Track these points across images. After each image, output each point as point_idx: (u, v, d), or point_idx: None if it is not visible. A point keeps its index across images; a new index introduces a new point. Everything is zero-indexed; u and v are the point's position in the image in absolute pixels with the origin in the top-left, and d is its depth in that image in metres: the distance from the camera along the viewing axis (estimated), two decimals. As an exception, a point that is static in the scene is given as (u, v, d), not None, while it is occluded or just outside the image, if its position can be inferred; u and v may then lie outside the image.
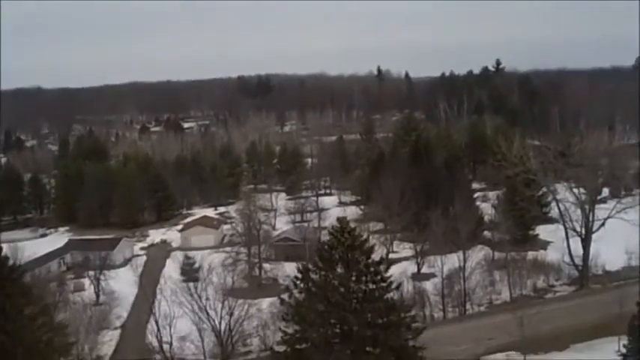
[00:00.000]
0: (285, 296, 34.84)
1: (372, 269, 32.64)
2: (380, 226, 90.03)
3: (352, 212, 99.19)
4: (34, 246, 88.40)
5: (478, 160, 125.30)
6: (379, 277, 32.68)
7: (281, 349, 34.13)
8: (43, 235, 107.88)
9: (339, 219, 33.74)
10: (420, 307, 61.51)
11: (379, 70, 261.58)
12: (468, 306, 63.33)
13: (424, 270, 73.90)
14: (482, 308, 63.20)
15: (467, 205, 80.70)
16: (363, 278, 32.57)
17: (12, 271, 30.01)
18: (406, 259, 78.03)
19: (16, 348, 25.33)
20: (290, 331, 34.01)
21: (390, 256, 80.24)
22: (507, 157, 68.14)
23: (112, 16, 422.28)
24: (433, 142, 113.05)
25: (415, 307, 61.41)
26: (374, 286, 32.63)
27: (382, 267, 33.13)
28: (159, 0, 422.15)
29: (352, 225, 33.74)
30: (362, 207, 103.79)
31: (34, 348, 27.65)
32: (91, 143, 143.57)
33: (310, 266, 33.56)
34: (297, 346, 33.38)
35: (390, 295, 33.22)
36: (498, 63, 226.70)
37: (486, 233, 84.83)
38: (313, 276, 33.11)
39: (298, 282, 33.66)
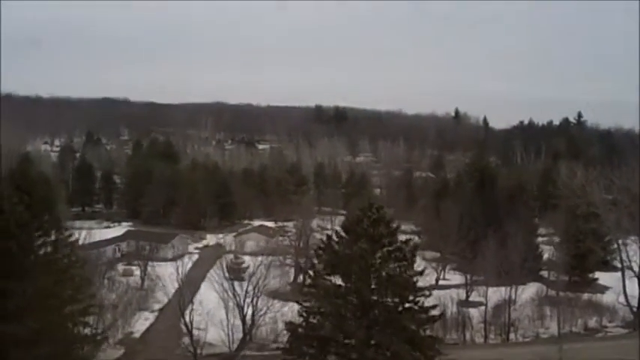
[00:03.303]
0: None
1: (395, 246, 31.75)
2: (436, 255, 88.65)
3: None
4: (95, 234, 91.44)
5: (548, 205, 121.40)
6: (402, 255, 31.71)
7: (297, 320, 33.50)
8: (107, 227, 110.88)
9: (368, 198, 33.15)
10: (461, 330, 60.51)
11: (457, 113, 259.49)
12: (512, 336, 61.31)
13: (473, 299, 72.14)
14: (526, 340, 60.91)
15: (527, 241, 78.50)
16: (385, 253, 31.64)
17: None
18: (457, 287, 76.16)
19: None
20: (307, 304, 33.48)
21: (441, 282, 79.10)
22: (569, 185, 65.52)
23: (202, 38, 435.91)
24: (501, 177, 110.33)
25: (457, 329, 60.94)
26: (395, 264, 31.67)
27: (408, 249, 32.16)
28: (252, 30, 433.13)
29: (380, 204, 33.21)
30: (421, 236, 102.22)
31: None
32: (164, 147, 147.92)
33: (334, 237, 33.02)
34: (312, 319, 32.73)
35: (412, 278, 32.07)
36: (580, 115, 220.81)
37: (544, 273, 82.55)
38: (336, 247, 32.53)
39: (320, 252, 33.17)
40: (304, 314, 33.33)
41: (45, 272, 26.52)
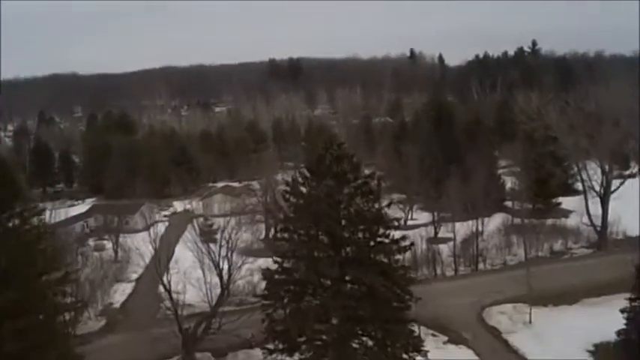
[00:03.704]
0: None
1: (360, 181, 32.37)
2: (402, 197, 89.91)
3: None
4: (61, 213, 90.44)
5: (507, 135, 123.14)
6: (368, 189, 32.35)
7: (272, 267, 34.11)
8: (71, 206, 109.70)
9: (329, 134, 33.63)
10: (432, 266, 62.32)
11: (412, 53, 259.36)
12: (481, 265, 63.35)
13: (442, 235, 73.83)
14: (495, 268, 62.88)
15: (488, 173, 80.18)
16: (352, 189, 32.26)
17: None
18: (425, 225, 77.80)
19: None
20: (280, 249, 34.13)
21: (409, 223, 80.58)
22: (525, 112, 66.66)
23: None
24: (458, 114, 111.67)
25: (428, 266, 62.68)
26: (363, 199, 32.31)
27: (373, 182, 32.85)
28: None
29: (341, 140, 33.69)
30: (384, 179, 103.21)
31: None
32: (119, 118, 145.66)
33: (299, 179, 33.44)
34: (286, 264, 33.39)
35: (380, 211, 32.77)
36: (534, 44, 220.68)
37: (508, 203, 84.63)
38: (302, 189, 33.01)
39: (287, 195, 33.61)
40: (278, 260, 33.91)
41: (16, 244, 26.52)
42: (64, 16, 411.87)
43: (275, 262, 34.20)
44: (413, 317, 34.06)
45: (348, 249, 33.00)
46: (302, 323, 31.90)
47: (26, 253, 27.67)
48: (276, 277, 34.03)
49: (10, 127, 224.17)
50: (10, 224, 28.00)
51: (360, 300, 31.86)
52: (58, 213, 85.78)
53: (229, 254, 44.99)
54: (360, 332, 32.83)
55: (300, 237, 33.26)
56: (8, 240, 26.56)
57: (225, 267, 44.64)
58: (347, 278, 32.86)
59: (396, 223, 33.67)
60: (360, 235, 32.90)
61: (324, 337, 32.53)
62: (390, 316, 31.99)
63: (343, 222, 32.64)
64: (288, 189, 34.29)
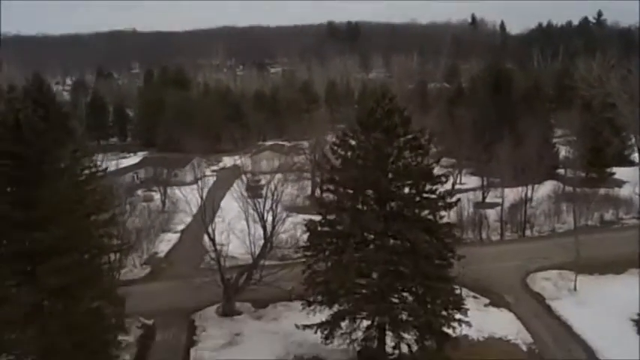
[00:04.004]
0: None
1: (410, 136, 31.82)
2: (452, 161, 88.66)
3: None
4: (112, 165, 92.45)
5: (565, 103, 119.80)
6: (418, 144, 31.79)
7: (316, 219, 34.01)
8: (123, 158, 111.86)
9: (381, 88, 33.09)
10: (478, 230, 61.50)
11: (473, 19, 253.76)
12: (528, 232, 62.16)
13: (490, 200, 72.58)
14: (542, 234, 61.64)
15: (542, 140, 78.23)
16: (401, 143, 31.73)
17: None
18: (473, 189, 76.73)
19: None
20: (326, 200, 33.99)
21: (457, 187, 79.42)
22: (585, 79, 64.32)
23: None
24: (516, 80, 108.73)
25: (474, 229, 61.86)
26: (412, 154, 31.81)
27: (423, 138, 32.24)
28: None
29: (393, 93, 33.12)
30: (435, 144, 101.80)
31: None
32: (175, 75, 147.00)
33: (348, 132, 33.10)
34: (330, 216, 33.21)
35: (428, 167, 32.25)
36: (599, 14, 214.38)
37: (560, 171, 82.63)
38: (351, 142, 32.66)
39: (335, 147, 33.29)
40: (323, 211, 33.79)
41: (67, 181, 26.98)
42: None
43: (319, 213, 34.10)
44: (455, 276, 33.61)
45: (393, 203, 32.63)
46: (343, 275, 31.73)
47: (75, 191, 28.14)
48: (319, 229, 33.88)
49: (68, 82, 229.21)
50: (62, 164, 28.47)
51: (402, 255, 31.56)
52: (109, 164, 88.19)
53: (274, 206, 45.16)
54: (400, 287, 32.53)
55: (345, 189, 32.96)
56: (58, 178, 26.96)
57: (270, 219, 44.85)
58: (390, 233, 32.50)
59: (444, 179, 33.11)
60: (407, 189, 32.50)
61: (364, 290, 32.38)
62: (431, 273, 31.54)
63: (390, 175, 32.23)
64: (337, 141, 33.95)
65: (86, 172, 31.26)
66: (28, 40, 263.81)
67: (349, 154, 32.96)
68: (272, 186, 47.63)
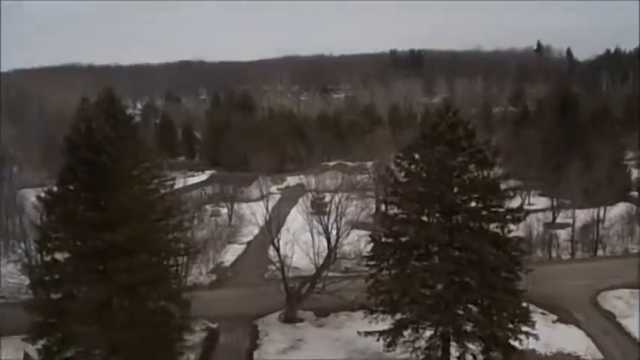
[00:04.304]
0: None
1: (475, 148, 31.45)
2: (519, 183, 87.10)
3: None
4: (180, 181, 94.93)
5: (636, 127, 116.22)
6: (483, 157, 31.39)
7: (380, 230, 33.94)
8: (191, 176, 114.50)
9: (444, 100, 33.00)
10: (547, 249, 60.24)
11: (539, 46, 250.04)
12: (600, 252, 60.41)
13: (560, 221, 70.91)
14: (615, 254, 59.74)
15: (613, 162, 76.23)
16: (466, 157, 31.43)
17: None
18: (542, 210, 75.11)
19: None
20: (390, 213, 33.84)
21: (525, 207, 77.71)
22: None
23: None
24: (584, 103, 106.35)
25: (543, 248, 60.49)
26: (477, 167, 31.42)
27: (489, 151, 31.84)
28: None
29: (457, 106, 32.90)
30: (502, 165, 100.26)
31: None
32: (241, 99, 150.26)
33: (412, 145, 32.99)
34: (394, 227, 33.05)
35: (495, 181, 31.80)
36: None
37: (633, 193, 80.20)
38: (415, 155, 32.51)
39: (399, 160, 33.20)
40: (387, 222, 33.70)
41: (138, 188, 27.96)
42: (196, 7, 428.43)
43: (383, 223, 34.02)
44: (523, 289, 32.88)
45: (459, 216, 32.26)
46: (406, 285, 31.57)
47: (145, 197, 29.01)
48: (384, 239, 33.83)
49: (138, 106, 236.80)
50: (133, 171, 29.50)
51: (467, 266, 31.12)
52: (178, 181, 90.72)
53: (338, 218, 45.36)
54: (465, 299, 31.98)
55: (410, 201, 32.78)
56: (129, 184, 27.92)
57: (334, 231, 45.05)
58: (455, 244, 32.10)
59: (511, 194, 32.61)
60: (473, 203, 32.12)
61: (427, 301, 31.98)
62: (497, 285, 30.99)
63: (455, 189, 31.97)
64: (400, 155, 33.90)
65: (155, 180, 32.19)
66: (102, 70, 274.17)
67: (413, 167, 32.85)
68: (336, 200, 47.88)
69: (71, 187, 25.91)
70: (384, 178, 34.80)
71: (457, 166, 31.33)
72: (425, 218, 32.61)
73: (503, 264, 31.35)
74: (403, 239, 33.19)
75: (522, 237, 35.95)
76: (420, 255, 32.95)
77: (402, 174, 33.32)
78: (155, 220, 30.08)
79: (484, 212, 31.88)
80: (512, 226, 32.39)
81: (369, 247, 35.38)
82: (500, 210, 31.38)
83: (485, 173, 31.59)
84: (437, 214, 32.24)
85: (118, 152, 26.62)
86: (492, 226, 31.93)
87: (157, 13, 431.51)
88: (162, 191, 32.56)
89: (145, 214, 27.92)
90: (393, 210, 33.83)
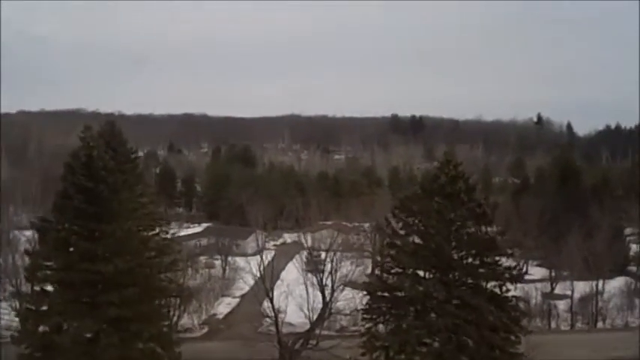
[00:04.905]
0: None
1: (474, 203, 31.10)
2: (517, 251, 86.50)
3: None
4: (176, 232, 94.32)
5: (635, 202, 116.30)
6: (482, 212, 31.02)
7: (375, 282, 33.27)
8: (187, 227, 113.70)
9: (445, 153, 32.95)
10: (546, 319, 59.45)
11: (539, 118, 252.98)
12: (599, 324, 59.43)
13: (558, 292, 70.03)
14: (615, 327, 58.76)
15: (613, 234, 75.88)
16: (464, 211, 31.03)
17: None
18: (540, 281, 74.27)
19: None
20: (388, 262, 33.20)
21: (524, 275, 77.06)
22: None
23: (278, 51, 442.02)
24: (584, 175, 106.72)
25: (542, 318, 59.54)
26: (476, 223, 31.02)
27: (487, 207, 31.51)
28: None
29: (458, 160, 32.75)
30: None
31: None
32: (242, 152, 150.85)
33: (411, 196, 32.66)
34: (390, 280, 32.39)
35: (493, 237, 31.35)
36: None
37: (632, 268, 79.61)
38: (413, 207, 32.13)
39: (397, 212, 32.79)
40: (383, 274, 33.09)
41: (134, 219, 27.47)
42: (197, 57, 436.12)
43: (378, 276, 33.42)
44: (521, 353, 32.00)
45: (457, 272, 31.72)
46: (403, 340, 30.72)
47: (141, 231, 28.52)
48: (379, 293, 33.16)
49: (140, 153, 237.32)
50: (130, 204, 29.05)
51: (465, 324, 30.35)
52: (174, 232, 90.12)
53: (333, 272, 44.75)
54: (462, 357, 31.07)
55: (406, 254, 32.28)
56: (126, 216, 27.45)
57: (329, 285, 44.35)
58: (453, 301, 31.43)
59: (509, 251, 32.16)
60: (470, 259, 31.65)
61: (425, 359, 31.05)
62: (496, 345, 30.18)
63: (453, 243, 31.51)
64: (399, 205, 33.60)
65: (150, 216, 31.68)
66: (106, 116, 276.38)
67: (411, 219, 32.49)
68: (331, 253, 47.41)
69: (66, 215, 25.40)
70: (381, 229, 34.13)
71: (456, 219, 30.93)
72: (421, 273, 32.05)
73: (502, 323, 30.67)
74: (399, 294, 32.54)
75: (520, 297, 35.15)
76: (417, 311, 32.24)
77: (400, 225, 32.89)
78: (148, 257, 29.44)
79: (481, 269, 31.40)
80: (510, 286, 31.93)
81: (365, 301, 34.76)
82: (498, 267, 30.85)
83: (484, 229, 31.17)
84: (433, 269, 31.65)
85: (117, 183, 26.23)
86: (490, 285, 31.38)
87: (167, 65, 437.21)
88: (157, 229, 32.01)
89: (139, 249, 27.37)
90: (389, 263, 33.17)
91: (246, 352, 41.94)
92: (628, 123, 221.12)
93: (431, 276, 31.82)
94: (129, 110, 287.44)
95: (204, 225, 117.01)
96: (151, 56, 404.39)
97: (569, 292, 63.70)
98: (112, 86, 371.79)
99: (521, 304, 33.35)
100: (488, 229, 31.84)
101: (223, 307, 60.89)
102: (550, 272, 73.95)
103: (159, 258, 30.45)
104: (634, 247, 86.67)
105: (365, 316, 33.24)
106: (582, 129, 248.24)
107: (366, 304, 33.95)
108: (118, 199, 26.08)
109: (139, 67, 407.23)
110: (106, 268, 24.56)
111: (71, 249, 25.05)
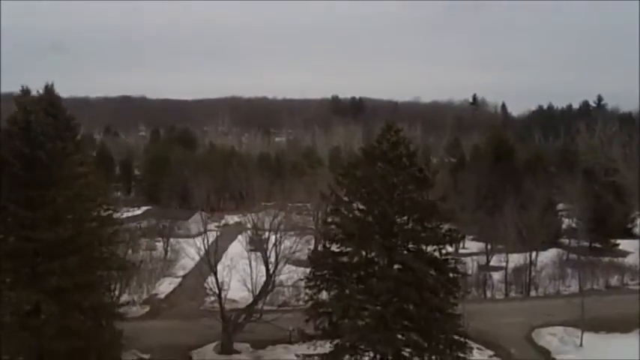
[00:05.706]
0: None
1: (416, 168, 31.90)
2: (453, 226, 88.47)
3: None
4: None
5: (567, 180, 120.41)
6: (424, 177, 31.84)
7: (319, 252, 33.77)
8: (126, 212, 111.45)
9: (386, 121, 33.58)
10: (482, 288, 61.13)
11: (474, 98, 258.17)
12: (533, 292, 61.76)
13: (494, 264, 72.09)
14: (548, 295, 61.15)
15: (546, 208, 78.43)
16: (407, 176, 31.76)
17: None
18: (476, 254, 76.24)
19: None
20: (332, 230, 33.68)
21: (461, 252, 79.03)
22: (589, 144, 65.31)
23: (217, 38, 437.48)
24: (518, 152, 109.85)
25: (478, 288, 61.38)
26: (418, 187, 31.80)
27: (428, 172, 32.37)
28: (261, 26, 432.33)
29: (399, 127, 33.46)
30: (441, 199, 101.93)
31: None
32: (181, 134, 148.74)
33: (354, 162, 33.21)
34: (333, 247, 32.93)
35: (433, 202, 32.22)
36: (600, 98, 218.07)
37: (563, 240, 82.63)
38: (356, 172, 32.67)
39: (341, 178, 33.30)
40: (326, 241, 33.56)
41: (74, 187, 26.94)
42: (136, 42, 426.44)
43: (322, 243, 33.88)
44: (460, 314, 33.17)
45: (400, 236, 32.46)
46: (346, 305, 31.34)
47: (82, 197, 28.06)
48: (322, 260, 33.66)
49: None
50: (69, 171, 28.36)
51: (406, 286, 31.16)
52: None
53: (277, 246, 45.09)
54: (404, 321, 31.97)
55: (350, 220, 32.82)
56: (67, 182, 26.97)
57: (272, 258, 44.67)
58: (394, 265, 32.23)
59: (449, 216, 33.07)
60: (412, 224, 32.42)
61: (367, 320, 31.78)
62: (436, 306, 31.13)
63: (396, 208, 32.17)
64: (342, 172, 34.08)
65: (94, 183, 31.20)
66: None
67: (354, 185, 32.95)
68: (275, 232, 47.68)
69: (3, 182, 24.80)
70: (325, 197, 34.48)
71: (398, 184, 31.58)
72: (364, 237, 32.60)
73: (441, 285, 31.60)
74: (343, 259, 33.11)
75: (459, 258, 36.29)
76: (360, 277, 32.89)
77: (344, 192, 33.36)
78: (90, 227, 29.00)
79: (423, 234, 32.22)
80: (449, 248, 32.98)
81: (308, 271, 35.21)
82: (439, 231, 31.74)
83: (426, 194, 31.98)
84: (376, 233, 32.26)
85: (56, 150, 25.75)
86: (430, 249, 32.26)
87: (97, 47, 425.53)
88: (98, 200, 31.58)
89: (81, 217, 26.95)
90: (334, 230, 33.65)
91: (189, 331, 41.94)
92: (560, 104, 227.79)
93: (373, 239, 32.35)
94: (64, 93, 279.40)
95: (144, 208, 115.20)
96: (88, 41, 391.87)
97: (504, 265, 65.78)
98: (48, 71, 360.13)
99: (459, 266, 34.30)
100: (429, 194, 32.56)
101: (165, 286, 60.24)
102: (486, 245, 75.80)
103: (100, 229, 30.02)
104: (566, 221, 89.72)
105: (308, 284, 33.65)
106: (516, 110, 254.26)
107: (310, 272, 34.35)
108: (57, 166, 25.57)
109: (65, 52, 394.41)
110: (47, 236, 24.11)
111: (9, 217, 24.46)
